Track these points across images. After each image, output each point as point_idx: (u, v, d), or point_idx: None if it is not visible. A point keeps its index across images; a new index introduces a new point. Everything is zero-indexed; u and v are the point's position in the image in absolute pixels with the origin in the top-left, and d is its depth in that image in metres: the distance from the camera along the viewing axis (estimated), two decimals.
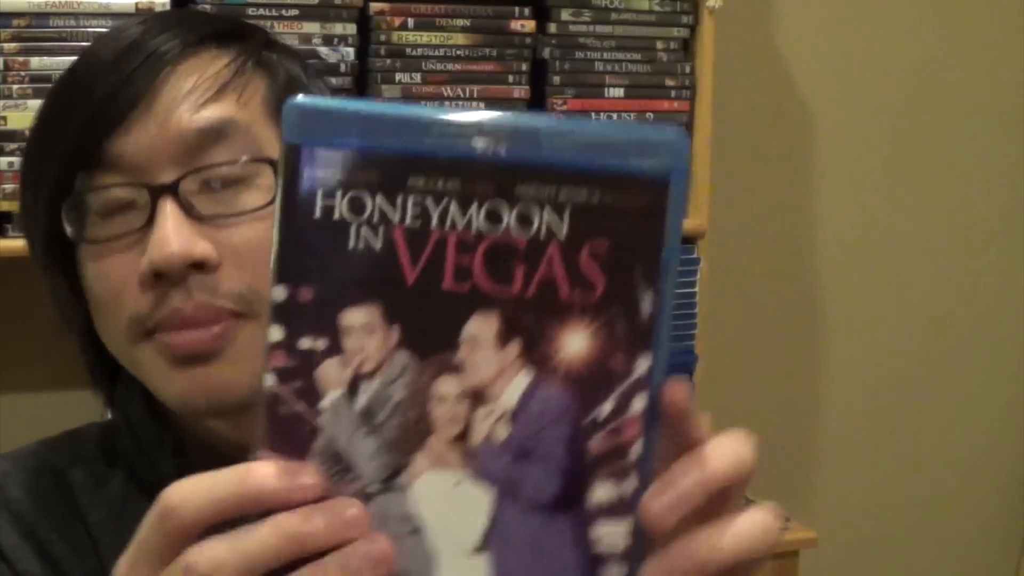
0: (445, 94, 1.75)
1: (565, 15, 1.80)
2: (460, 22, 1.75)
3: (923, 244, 2.37)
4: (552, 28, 1.79)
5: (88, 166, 0.72)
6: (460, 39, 1.75)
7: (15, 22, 1.56)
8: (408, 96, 1.73)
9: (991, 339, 2.45)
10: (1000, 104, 2.38)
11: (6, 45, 1.56)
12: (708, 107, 1.87)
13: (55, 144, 0.74)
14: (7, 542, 0.77)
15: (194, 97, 0.73)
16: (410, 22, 1.73)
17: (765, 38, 2.19)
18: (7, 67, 1.56)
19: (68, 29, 1.58)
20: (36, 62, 1.57)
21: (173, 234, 0.70)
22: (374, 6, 1.71)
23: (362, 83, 1.72)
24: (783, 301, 2.28)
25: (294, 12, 1.67)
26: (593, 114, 1.83)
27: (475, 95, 1.76)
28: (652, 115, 1.86)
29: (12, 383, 1.79)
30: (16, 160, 1.53)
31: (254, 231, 0.72)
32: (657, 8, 1.84)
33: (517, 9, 1.77)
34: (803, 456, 2.35)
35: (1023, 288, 2.45)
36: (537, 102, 1.81)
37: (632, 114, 1.85)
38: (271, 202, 0.71)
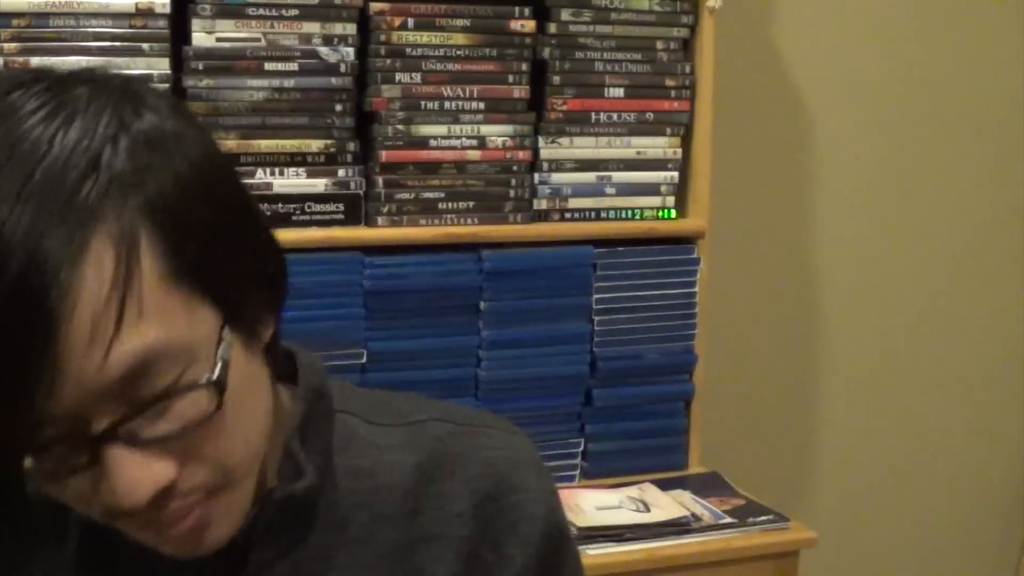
0: (445, 94, 1.75)
1: (565, 15, 1.80)
2: (460, 22, 1.75)
3: (922, 244, 2.37)
4: (552, 28, 1.79)
5: (24, 432, 0.65)
6: (460, 39, 1.75)
7: (15, 22, 1.56)
8: (408, 96, 1.73)
9: (991, 339, 2.45)
10: (1000, 103, 2.38)
11: (6, 45, 1.56)
12: (708, 107, 1.87)
13: None
14: None
15: (99, 344, 0.64)
16: (410, 22, 1.73)
17: (765, 38, 2.19)
18: (7, 67, 1.56)
19: (68, 29, 1.57)
20: (36, 62, 1.56)
21: (132, 480, 0.65)
22: (374, 6, 1.71)
23: (362, 83, 1.72)
24: (782, 301, 2.28)
25: (294, 12, 1.67)
26: (593, 114, 1.83)
27: (475, 95, 1.76)
28: (652, 115, 1.86)
29: None
30: None
31: (208, 431, 0.68)
32: (657, 8, 1.84)
33: (517, 9, 1.77)
34: (803, 456, 2.35)
35: (1023, 288, 2.45)
36: (537, 102, 1.81)
37: (632, 114, 1.85)
38: (219, 407, 0.67)
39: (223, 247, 0.68)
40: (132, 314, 0.64)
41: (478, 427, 0.85)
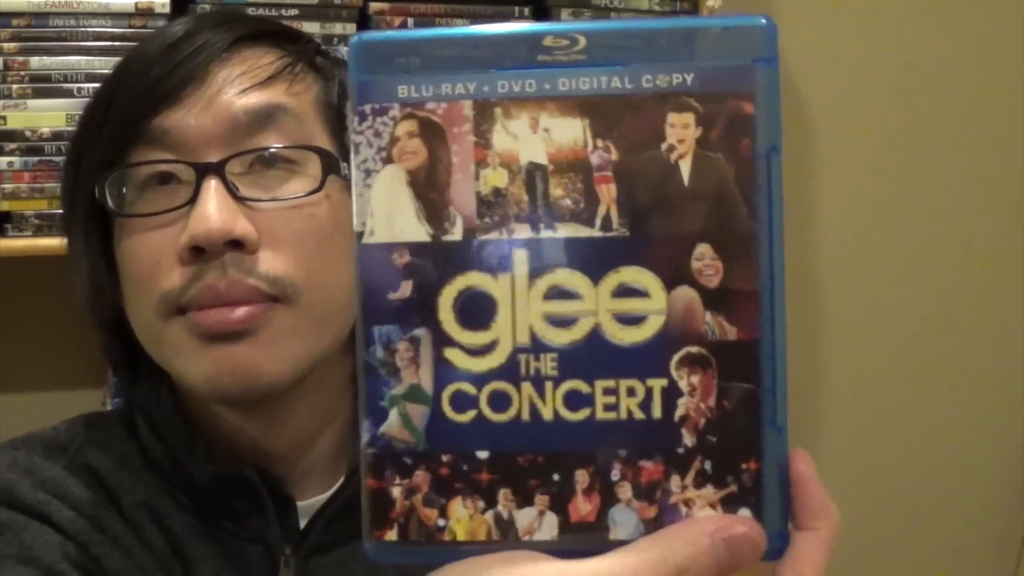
0: None
1: (565, 15, 1.80)
2: (460, 22, 1.75)
3: (923, 244, 2.37)
4: None
5: (136, 141, 0.72)
6: None
7: (15, 22, 1.56)
8: None
9: (991, 339, 2.45)
10: (1001, 103, 2.38)
11: (6, 45, 1.56)
12: None
13: (105, 121, 0.73)
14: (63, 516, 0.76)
15: (244, 82, 0.73)
16: (410, 22, 1.73)
17: None
18: (7, 67, 1.56)
19: (68, 29, 1.57)
20: (36, 62, 1.56)
21: (215, 211, 0.69)
22: (374, 6, 1.71)
23: None
24: None
25: (293, 12, 1.67)
26: None
27: None
28: None
29: (12, 383, 1.79)
30: (16, 160, 1.53)
31: (296, 218, 0.71)
32: (657, 8, 1.84)
33: (517, 9, 1.77)
34: None
35: (1023, 288, 2.45)
36: None
37: None
38: (316, 190, 0.71)
39: None
40: (282, 85, 0.73)
41: None
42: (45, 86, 1.56)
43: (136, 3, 1.60)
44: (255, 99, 0.72)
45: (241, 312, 0.70)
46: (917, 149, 2.34)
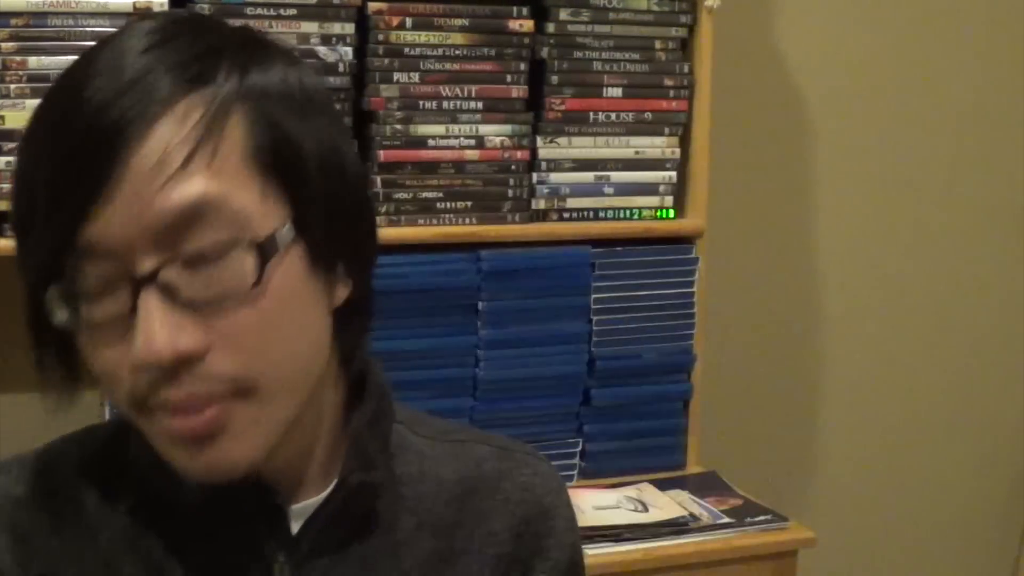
0: (443, 94, 1.75)
1: (563, 15, 1.80)
2: (458, 22, 1.75)
3: (921, 243, 2.37)
4: (550, 28, 1.79)
5: (68, 252, 0.68)
6: (458, 39, 1.75)
7: (13, 21, 1.56)
8: (406, 95, 1.73)
9: (991, 338, 2.45)
10: (999, 102, 2.38)
11: (4, 44, 1.56)
12: (706, 106, 1.87)
13: (32, 228, 0.70)
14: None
15: (164, 172, 0.67)
16: (408, 22, 1.73)
17: (763, 37, 2.19)
18: (5, 67, 1.56)
19: (66, 28, 1.57)
20: (34, 61, 1.56)
21: (157, 331, 0.67)
22: (372, 6, 1.71)
23: (360, 83, 1.72)
24: (781, 300, 2.28)
25: (292, 12, 1.67)
26: (591, 114, 1.83)
27: (473, 95, 1.76)
28: (650, 114, 1.86)
29: (12, 383, 1.79)
30: (14, 159, 1.53)
31: (241, 312, 0.69)
32: (655, 8, 1.84)
33: (515, 9, 1.77)
34: (801, 456, 2.35)
35: (1023, 288, 2.45)
36: (535, 101, 1.81)
37: (630, 113, 1.85)
38: (255, 283, 0.68)
39: (314, 165, 0.72)
40: (202, 161, 0.67)
41: (514, 452, 0.89)
42: (43, 86, 1.56)
43: (134, 3, 1.60)
44: (177, 196, 0.67)
45: (205, 416, 0.69)
46: (915, 148, 2.34)
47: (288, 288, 0.70)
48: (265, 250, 0.69)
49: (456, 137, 1.77)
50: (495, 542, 0.84)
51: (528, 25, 1.78)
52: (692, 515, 1.74)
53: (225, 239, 0.68)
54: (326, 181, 0.73)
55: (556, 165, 1.83)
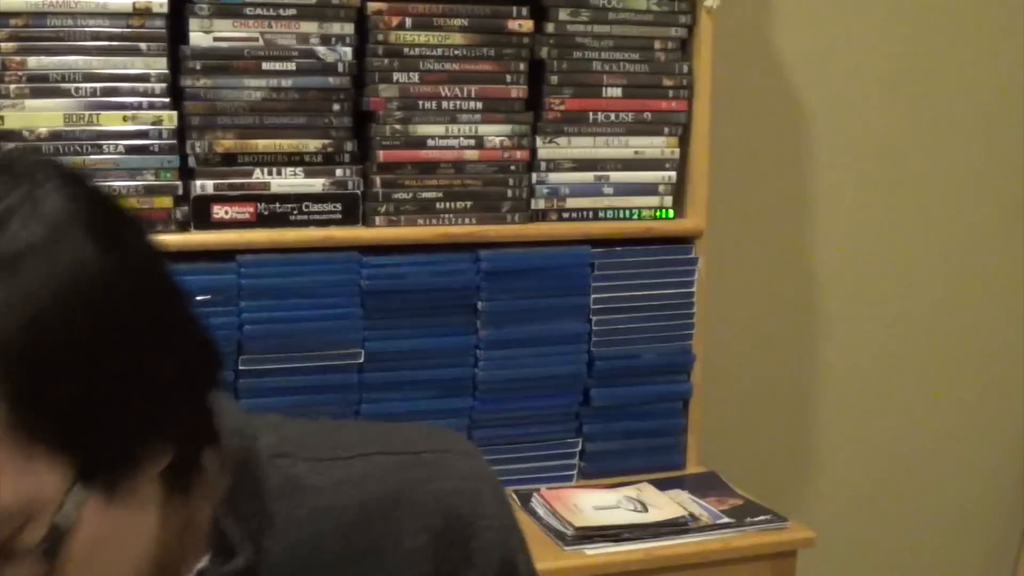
0: (443, 94, 1.75)
1: (563, 15, 1.80)
2: (458, 22, 1.75)
3: (921, 243, 2.37)
4: (550, 28, 1.79)
5: None
6: (458, 39, 1.75)
7: (12, 22, 1.56)
8: (406, 95, 1.73)
9: (990, 338, 2.45)
10: (999, 102, 2.38)
11: (3, 45, 1.56)
12: (706, 106, 1.87)
13: None
14: None
15: None
16: (408, 22, 1.73)
17: (762, 38, 2.19)
18: (5, 67, 1.56)
19: (66, 29, 1.57)
20: (34, 62, 1.56)
21: None
22: (372, 6, 1.71)
23: (360, 83, 1.72)
24: (781, 300, 2.28)
25: (291, 12, 1.67)
26: (591, 114, 1.83)
27: (473, 95, 1.76)
28: (650, 115, 1.86)
29: None
30: None
31: None
32: (655, 8, 1.84)
33: (515, 9, 1.77)
34: (801, 456, 2.35)
35: (1023, 288, 2.45)
36: (535, 102, 1.81)
37: (630, 114, 1.85)
38: (54, 564, 0.61)
39: (91, 387, 0.60)
40: None
41: (421, 455, 0.81)
42: (43, 86, 1.56)
43: (134, 3, 1.60)
44: None
45: None
46: (915, 148, 2.34)
47: (94, 541, 0.63)
48: (57, 530, 0.60)
49: (456, 137, 1.77)
50: (413, 561, 0.78)
51: (528, 25, 1.77)
52: (692, 515, 1.74)
53: (6, 539, 0.59)
54: (121, 383, 0.61)
55: (556, 165, 1.83)
